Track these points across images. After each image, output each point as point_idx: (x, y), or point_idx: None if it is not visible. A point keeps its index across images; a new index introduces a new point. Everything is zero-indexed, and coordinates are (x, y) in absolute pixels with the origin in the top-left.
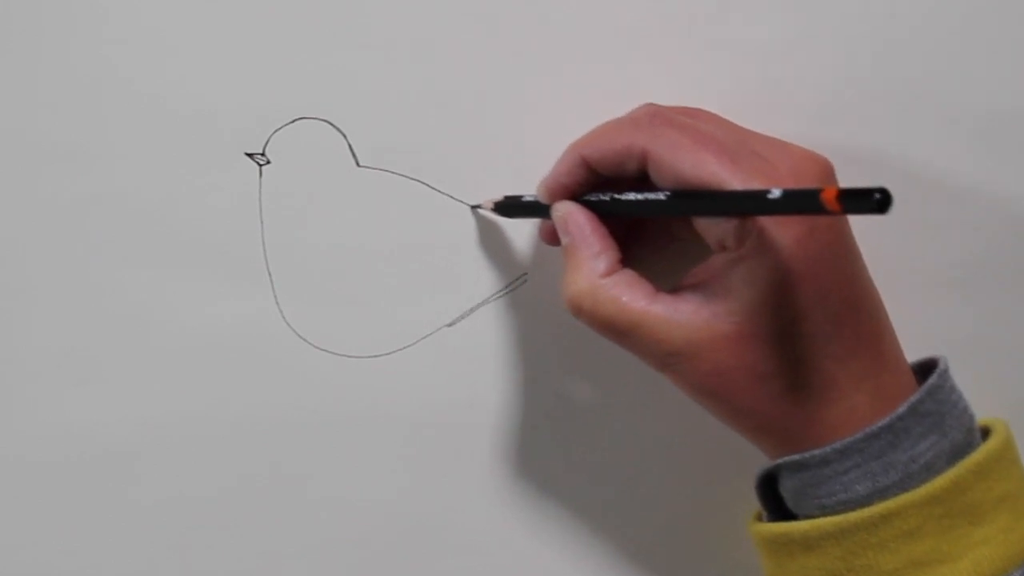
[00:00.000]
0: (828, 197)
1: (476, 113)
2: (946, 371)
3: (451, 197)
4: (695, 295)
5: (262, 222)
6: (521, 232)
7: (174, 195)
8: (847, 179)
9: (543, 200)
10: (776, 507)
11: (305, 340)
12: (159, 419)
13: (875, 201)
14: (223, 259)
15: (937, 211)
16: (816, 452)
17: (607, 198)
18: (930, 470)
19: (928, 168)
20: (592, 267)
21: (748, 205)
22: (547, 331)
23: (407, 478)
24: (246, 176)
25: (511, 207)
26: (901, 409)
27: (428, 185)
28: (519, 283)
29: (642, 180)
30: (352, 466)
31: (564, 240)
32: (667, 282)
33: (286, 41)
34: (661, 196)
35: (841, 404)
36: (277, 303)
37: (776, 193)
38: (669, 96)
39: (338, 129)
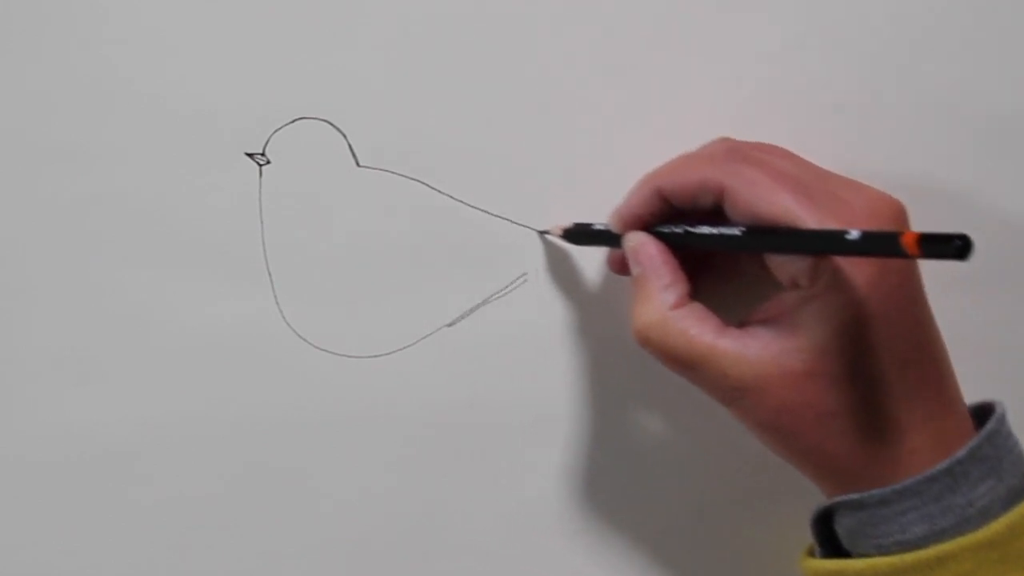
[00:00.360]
0: (908, 241)
1: (476, 113)
2: (1004, 416)
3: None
4: (764, 331)
5: (262, 222)
6: (520, 233)
7: (174, 195)
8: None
9: (615, 229)
10: (830, 544)
11: (305, 340)
12: (159, 419)
13: (955, 247)
14: (223, 259)
15: (937, 211)
16: (875, 492)
17: (680, 231)
18: (986, 515)
19: (928, 168)
20: (662, 299)
21: (826, 244)
22: (547, 331)
23: (407, 478)
24: (246, 176)
25: (580, 234)
26: (961, 453)
27: (428, 185)
28: (519, 283)
29: (715, 213)
30: (352, 466)
31: (635, 270)
32: (729, 314)
33: (286, 41)
34: (736, 231)
35: (902, 446)
36: (277, 303)
37: (854, 234)
38: (670, 95)
39: (338, 129)
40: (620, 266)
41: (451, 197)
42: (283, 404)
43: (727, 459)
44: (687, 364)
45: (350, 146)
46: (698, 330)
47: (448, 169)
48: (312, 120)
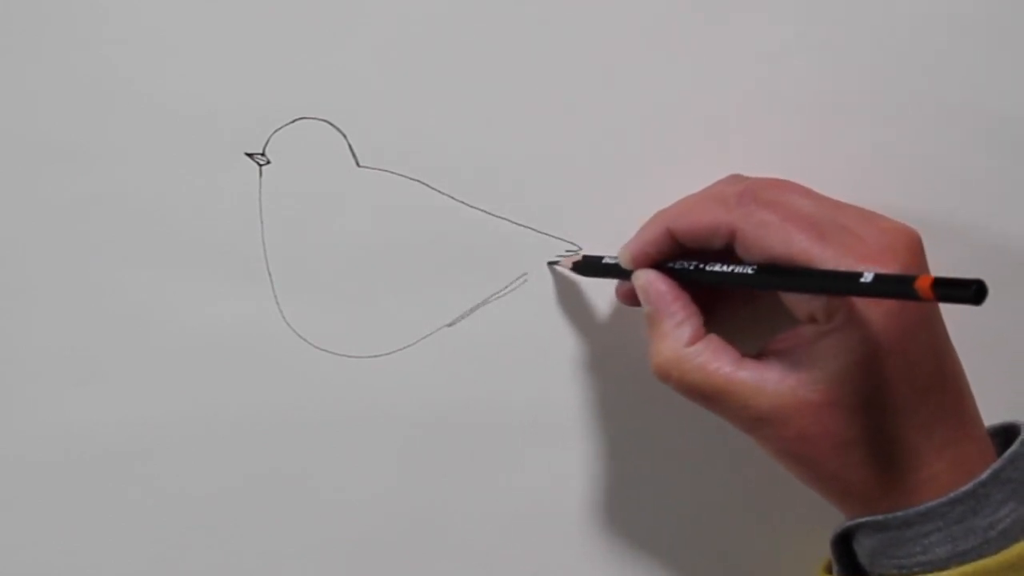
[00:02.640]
0: (923, 285)
1: (476, 113)
2: None
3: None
4: (781, 362)
5: (262, 222)
6: (520, 233)
7: (174, 195)
8: (848, 179)
9: (625, 266)
10: (848, 563)
11: (305, 340)
12: (159, 419)
13: (971, 292)
14: (223, 259)
15: (937, 211)
16: (899, 514)
17: (692, 267)
18: (1006, 537)
19: (927, 168)
20: (676, 336)
21: (839, 285)
22: (546, 331)
23: (407, 478)
24: (246, 176)
25: (590, 267)
26: (984, 476)
27: (428, 185)
28: (519, 283)
29: (727, 252)
30: (352, 466)
31: (646, 308)
32: (746, 340)
33: (286, 41)
34: (749, 270)
35: (922, 472)
36: (277, 303)
37: (868, 276)
38: (670, 95)
39: (338, 129)
40: (628, 298)
41: (451, 197)
42: (283, 404)
43: (729, 460)
44: (707, 397)
45: (350, 146)
46: (716, 364)
47: (448, 169)
48: (312, 120)
